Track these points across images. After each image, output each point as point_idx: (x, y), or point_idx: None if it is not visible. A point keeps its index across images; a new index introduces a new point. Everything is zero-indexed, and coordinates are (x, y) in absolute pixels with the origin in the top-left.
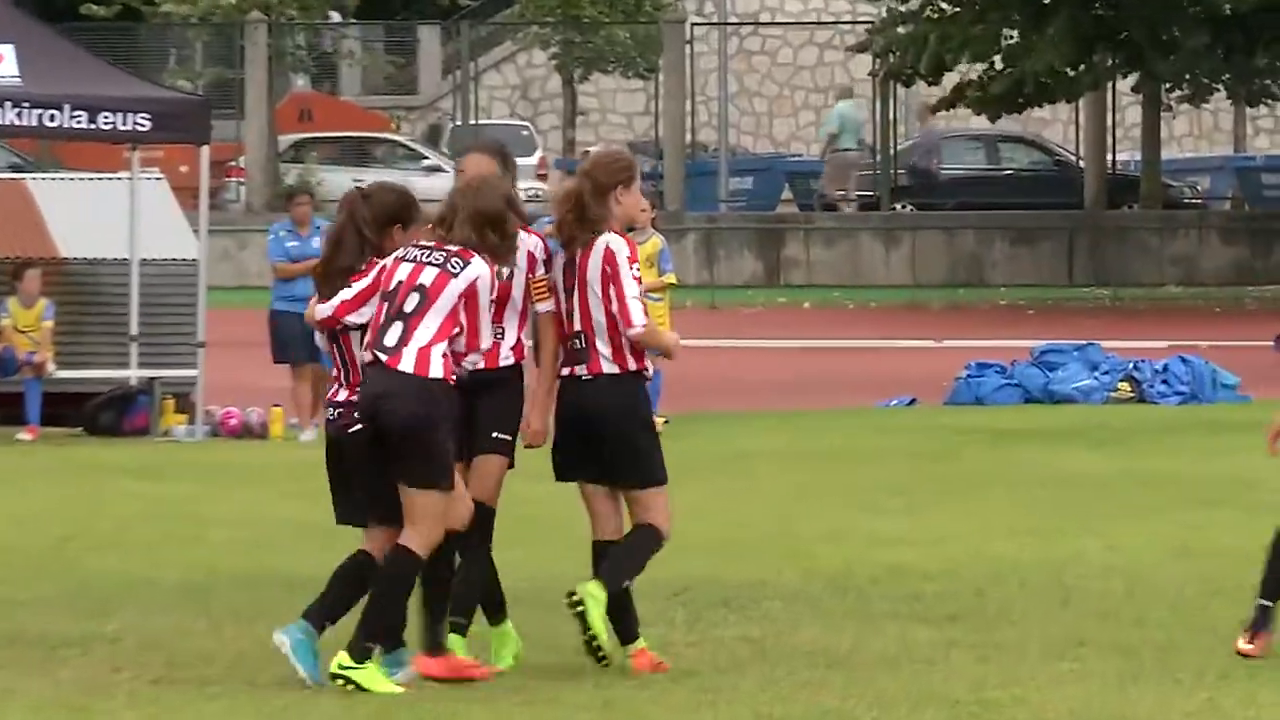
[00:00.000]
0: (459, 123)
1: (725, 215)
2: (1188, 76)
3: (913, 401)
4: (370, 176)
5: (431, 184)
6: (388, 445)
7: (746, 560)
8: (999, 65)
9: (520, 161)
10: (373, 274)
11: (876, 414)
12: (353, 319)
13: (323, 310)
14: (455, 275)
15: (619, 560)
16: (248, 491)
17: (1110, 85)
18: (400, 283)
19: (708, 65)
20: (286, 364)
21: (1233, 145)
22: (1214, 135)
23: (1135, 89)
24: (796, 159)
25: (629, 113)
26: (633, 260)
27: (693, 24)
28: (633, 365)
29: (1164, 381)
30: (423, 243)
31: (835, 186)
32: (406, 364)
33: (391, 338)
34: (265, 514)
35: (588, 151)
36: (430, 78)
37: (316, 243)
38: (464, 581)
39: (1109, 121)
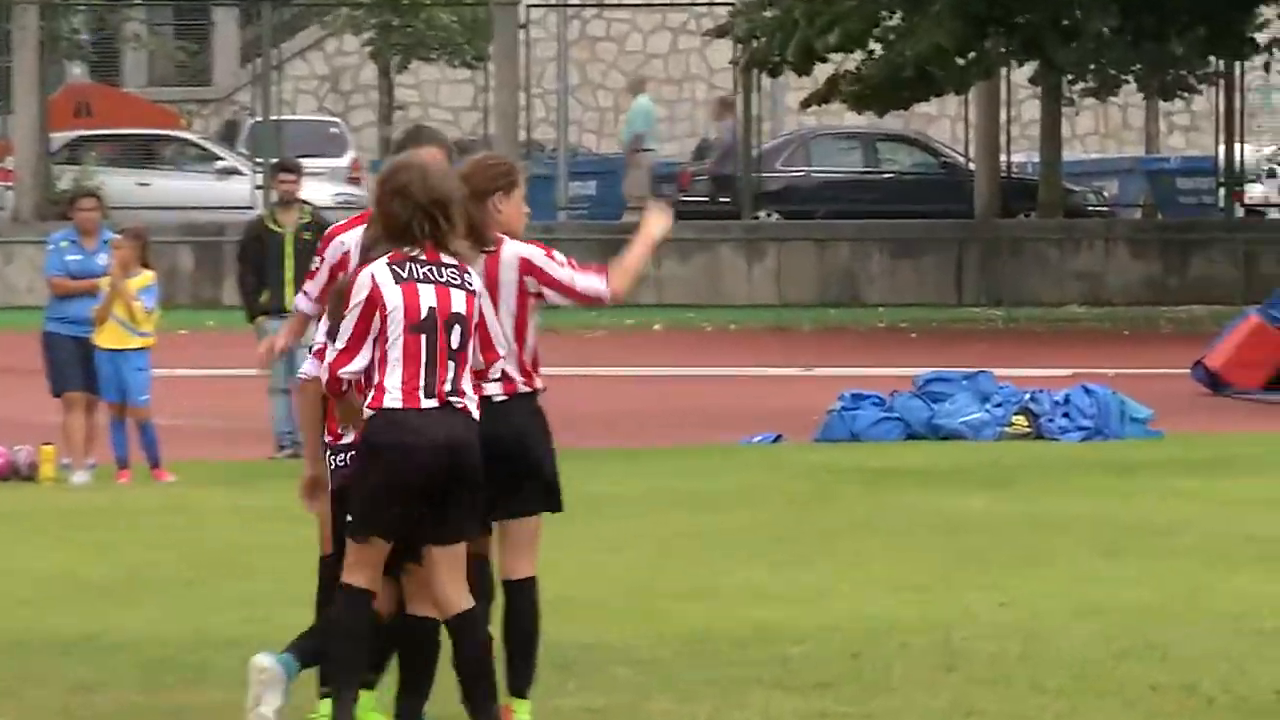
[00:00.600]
0: (259, 119)
1: (564, 225)
2: (1092, 66)
3: (779, 438)
4: (157, 179)
5: (226, 189)
6: (448, 496)
7: (591, 620)
8: (877, 52)
9: (329, 164)
10: (354, 313)
11: (738, 452)
12: (351, 369)
13: (312, 373)
14: (476, 293)
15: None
16: (12, 541)
17: (1004, 76)
18: (432, 309)
19: (545, 53)
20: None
21: (1144, 145)
22: (1122, 134)
23: (1033, 80)
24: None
25: (454, 107)
26: (549, 253)
27: (528, 5)
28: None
29: (1065, 415)
30: (417, 255)
31: (638, 191)
32: (474, 409)
33: (452, 378)
34: (32, 567)
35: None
36: (226, 67)
37: (104, 258)
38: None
39: (1003, 118)
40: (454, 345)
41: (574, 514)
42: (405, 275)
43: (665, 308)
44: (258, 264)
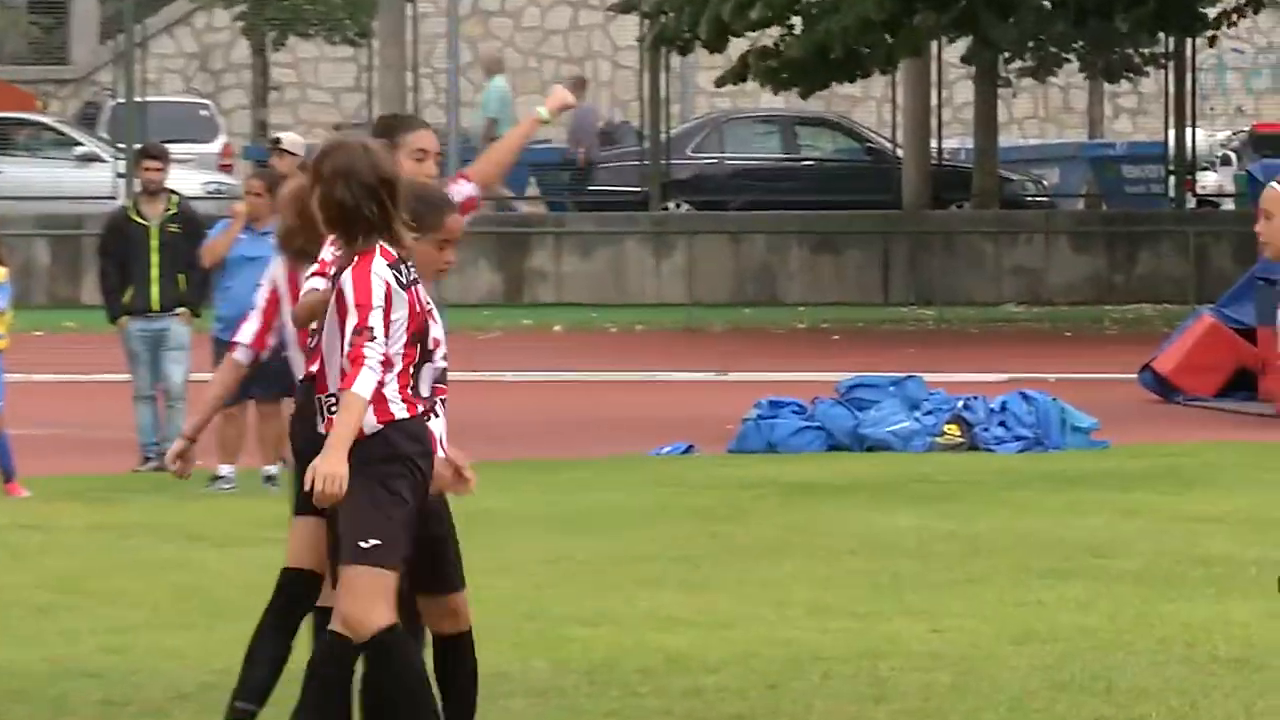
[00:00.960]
0: (121, 100)
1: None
2: (1031, 43)
3: (690, 449)
4: (9, 167)
5: (86, 177)
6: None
7: (484, 647)
8: (798, 27)
9: (198, 149)
10: (398, 325)
11: (646, 464)
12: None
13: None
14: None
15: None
16: None
17: (935, 54)
18: (419, 313)
19: (434, 29)
20: None
21: (1087, 129)
22: (1064, 117)
23: (966, 59)
24: (545, 146)
25: (335, 88)
26: None
27: None
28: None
29: (1001, 424)
30: (406, 258)
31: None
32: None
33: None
34: None
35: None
36: (86, 44)
37: None
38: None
39: (933, 100)
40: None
41: (467, 530)
42: (406, 280)
43: (566, 307)
44: (120, 259)
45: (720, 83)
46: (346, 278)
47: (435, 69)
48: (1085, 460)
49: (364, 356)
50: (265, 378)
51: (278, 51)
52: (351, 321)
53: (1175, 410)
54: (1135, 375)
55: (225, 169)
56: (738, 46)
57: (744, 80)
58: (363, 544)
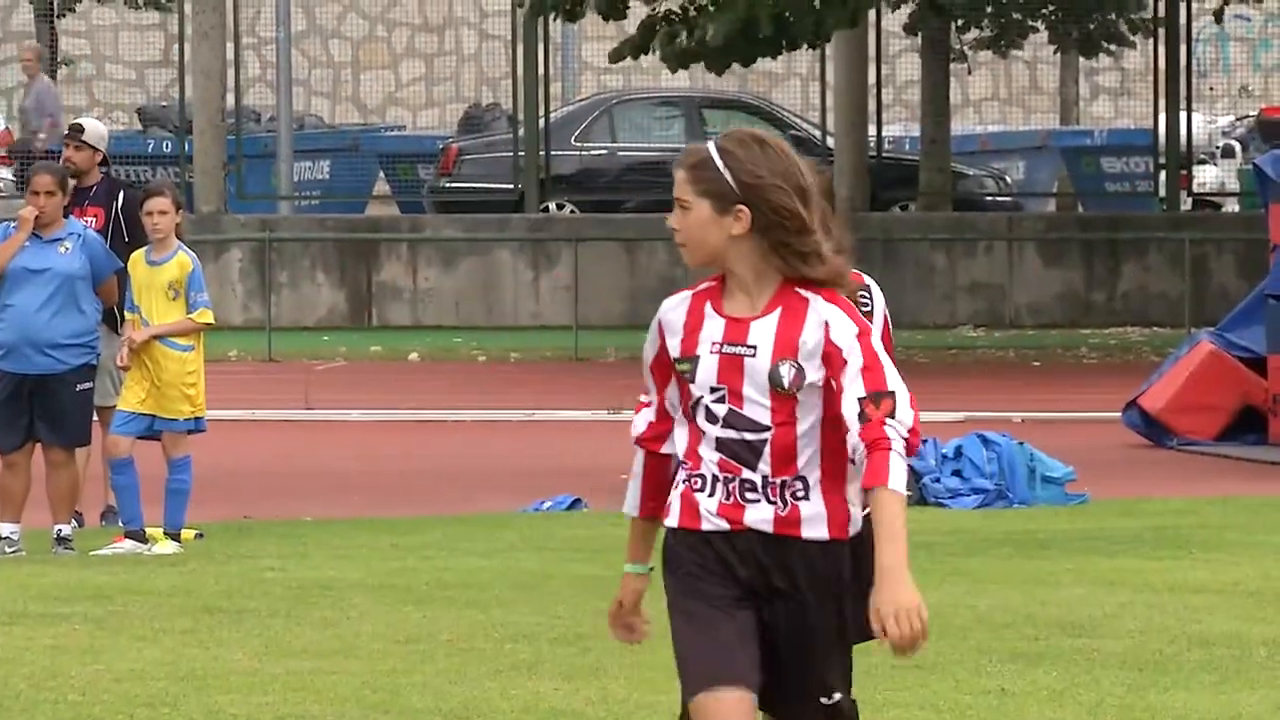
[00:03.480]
0: None
1: (288, 219)
2: (990, 8)
3: (576, 503)
4: None
5: None
6: None
7: None
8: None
9: None
10: None
11: (520, 523)
12: None
13: None
14: None
15: None
16: None
17: (873, 22)
18: None
19: None
20: None
21: (1058, 114)
22: (1030, 99)
23: (911, 28)
24: (397, 134)
25: (138, 62)
26: None
27: None
28: None
29: (956, 473)
30: None
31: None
32: None
33: None
34: None
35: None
36: None
37: None
38: None
39: (871, 78)
40: None
41: (303, 606)
42: None
43: (424, 330)
44: None
45: (616, 57)
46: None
47: (261, 39)
48: (1058, 518)
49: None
50: (57, 420)
51: (67, 17)
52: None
53: (1167, 457)
54: (1119, 414)
55: (4, 161)
56: (636, 13)
57: (645, 53)
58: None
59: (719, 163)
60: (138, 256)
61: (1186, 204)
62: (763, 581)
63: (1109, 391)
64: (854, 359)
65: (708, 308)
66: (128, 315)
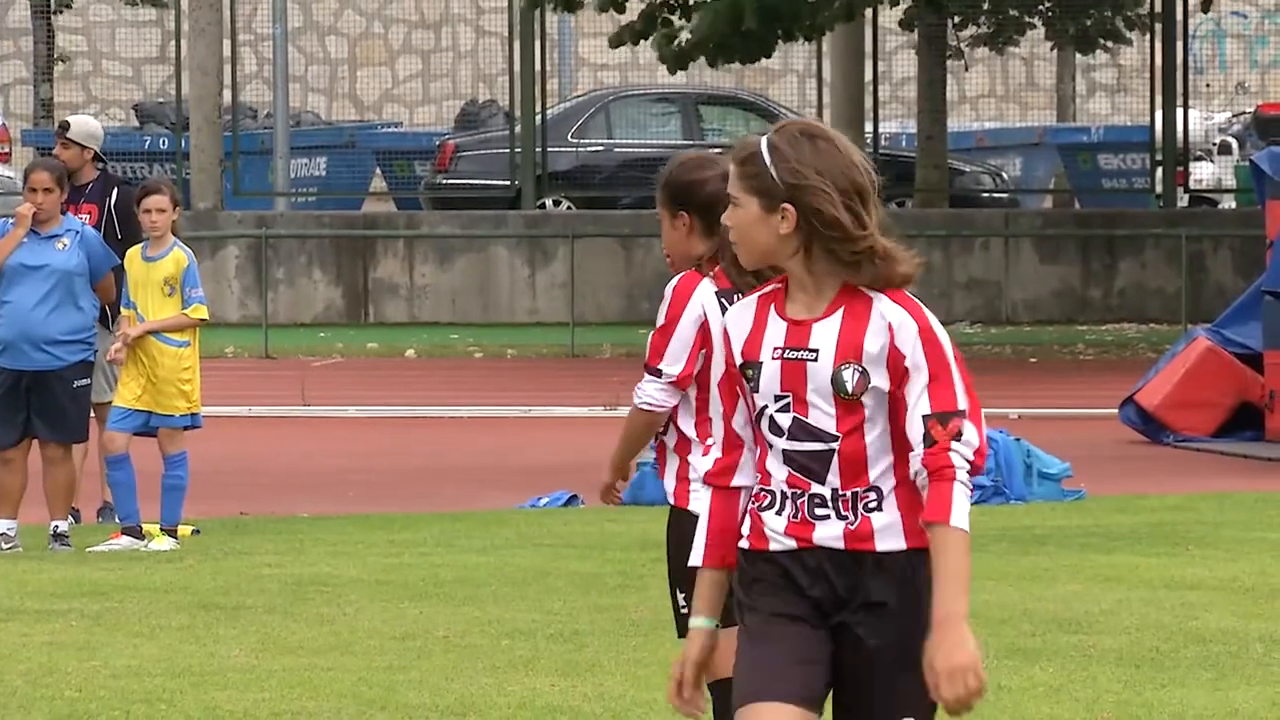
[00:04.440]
0: None
1: (285, 216)
2: (986, 5)
3: (573, 499)
4: None
5: None
6: None
7: None
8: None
9: None
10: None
11: (517, 519)
12: None
13: None
14: None
15: None
16: None
17: (869, 17)
18: None
19: None
20: None
21: (1055, 111)
22: (1027, 96)
23: (907, 24)
24: (394, 130)
25: (135, 59)
26: None
27: None
28: None
29: None
30: None
31: None
32: None
33: None
34: None
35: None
36: None
37: None
38: None
39: (868, 75)
40: None
41: (299, 603)
42: None
43: (420, 327)
44: None
45: (616, 41)
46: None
47: (258, 35)
48: (1055, 514)
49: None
50: (54, 416)
51: (64, 14)
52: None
53: (1164, 453)
54: (1116, 410)
55: (3, 159)
56: (633, 8)
57: (645, 37)
58: None
59: (766, 158)
60: (134, 253)
61: (1183, 200)
62: (834, 599)
63: (1106, 388)
64: (919, 369)
65: (771, 311)
66: (123, 311)
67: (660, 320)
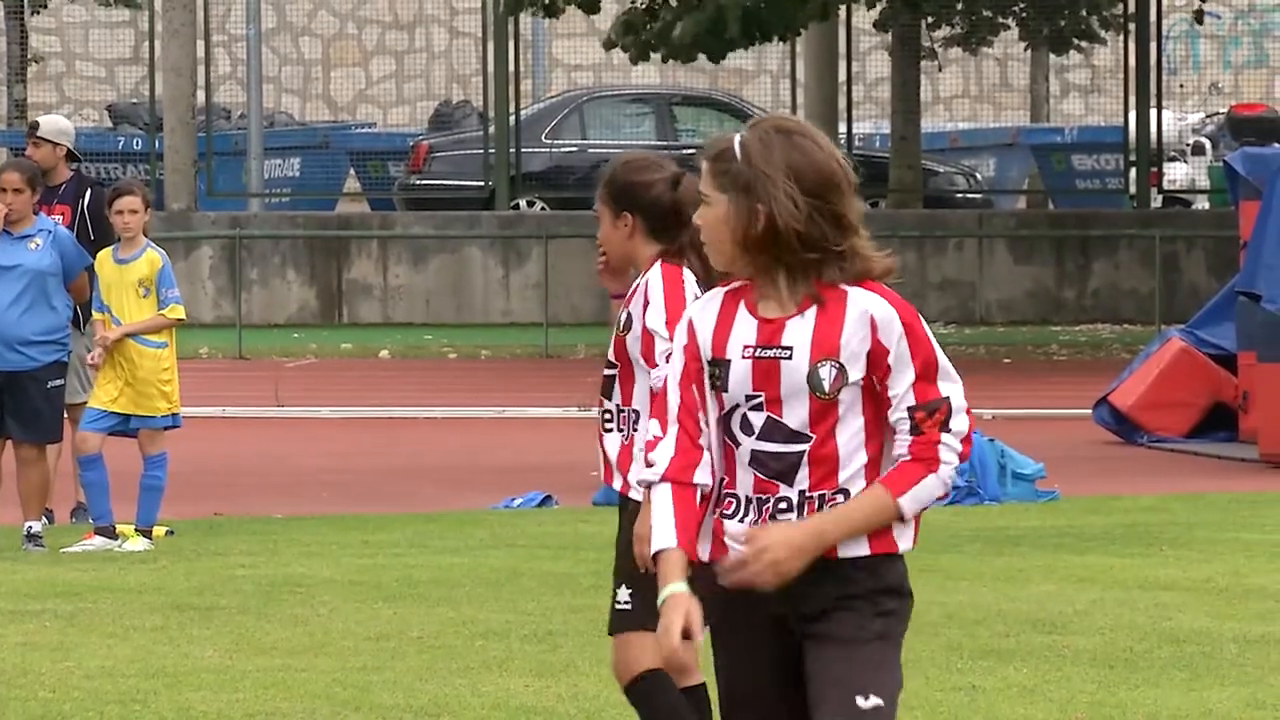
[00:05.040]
0: None
1: (258, 216)
2: (960, 5)
3: (547, 500)
4: None
5: None
6: None
7: None
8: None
9: None
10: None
11: (490, 521)
12: None
13: None
14: None
15: None
16: None
17: (843, 18)
18: None
19: None
20: None
21: (1029, 111)
22: (1001, 97)
23: (881, 25)
24: (367, 131)
25: (109, 59)
26: None
27: None
28: None
29: None
30: None
31: None
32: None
33: None
34: None
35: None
36: None
37: None
38: None
39: (842, 75)
40: None
41: (274, 603)
42: None
43: (395, 328)
44: None
45: (610, 44)
46: None
47: (231, 36)
48: (1029, 515)
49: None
50: (28, 417)
51: (38, 15)
52: None
53: (1138, 454)
54: (1089, 411)
55: None
56: (608, 10)
57: (638, 35)
58: None
59: (738, 155)
60: (104, 255)
61: (1157, 201)
62: (794, 609)
63: (1080, 388)
64: (903, 360)
65: (741, 307)
66: (96, 315)
67: (660, 311)
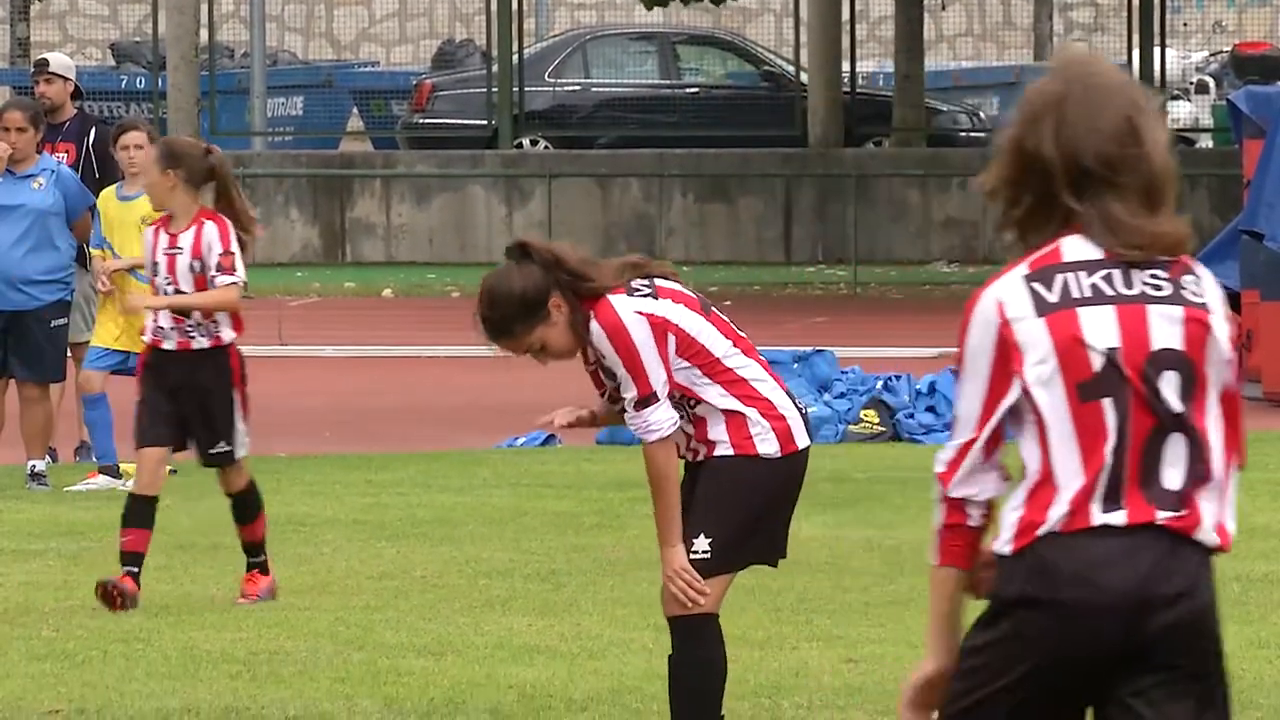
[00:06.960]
0: None
1: (261, 155)
2: None
3: (549, 439)
4: None
5: None
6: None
7: (298, 681)
8: None
9: None
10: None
11: (493, 460)
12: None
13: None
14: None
15: None
16: None
17: None
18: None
19: None
20: None
21: (1032, 50)
22: (1004, 35)
23: None
24: (370, 69)
25: None
26: None
27: None
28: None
29: (930, 409)
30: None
31: None
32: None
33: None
34: None
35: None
36: None
37: None
38: None
39: (845, 13)
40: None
41: (278, 541)
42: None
43: (396, 266)
44: None
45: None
46: None
47: None
48: None
49: None
50: (31, 356)
51: None
52: None
53: None
54: None
55: None
56: None
57: None
58: None
59: None
60: (108, 193)
61: None
62: None
63: None
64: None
65: None
66: (94, 251)
67: (617, 355)
